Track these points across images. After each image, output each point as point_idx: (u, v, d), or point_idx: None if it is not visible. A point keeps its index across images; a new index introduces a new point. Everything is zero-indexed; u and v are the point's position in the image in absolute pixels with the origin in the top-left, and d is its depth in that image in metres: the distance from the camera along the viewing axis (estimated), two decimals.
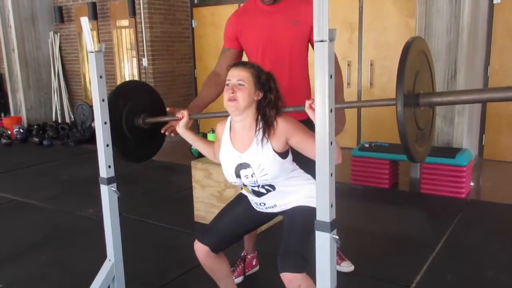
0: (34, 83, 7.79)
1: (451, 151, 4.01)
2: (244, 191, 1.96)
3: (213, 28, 6.76)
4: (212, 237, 1.91)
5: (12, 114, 8.04)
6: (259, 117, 1.76)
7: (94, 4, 7.07)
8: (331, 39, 1.30)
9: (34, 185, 4.75)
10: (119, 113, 2.03)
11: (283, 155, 1.76)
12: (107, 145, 2.00)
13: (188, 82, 7.01)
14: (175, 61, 6.85)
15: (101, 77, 1.95)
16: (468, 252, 2.86)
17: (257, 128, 1.75)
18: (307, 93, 2.28)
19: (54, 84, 7.95)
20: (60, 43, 7.92)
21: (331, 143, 1.36)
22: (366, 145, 4.37)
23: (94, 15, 7.07)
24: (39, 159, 5.94)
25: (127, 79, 7.11)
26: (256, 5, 2.22)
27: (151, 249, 3.09)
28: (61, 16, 7.66)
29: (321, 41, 1.30)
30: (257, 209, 1.95)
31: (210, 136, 3.53)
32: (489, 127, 5.00)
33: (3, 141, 6.89)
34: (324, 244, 1.38)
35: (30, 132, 7.21)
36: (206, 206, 3.43)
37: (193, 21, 6.98)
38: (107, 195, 2.04)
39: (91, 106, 6.92)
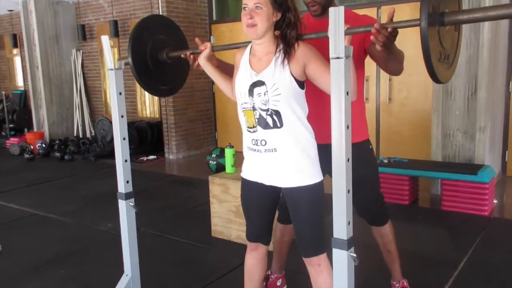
0: (57, 99, 7.98)
1: (473, 168, 3.93)
2: (245, 127, 1.84)
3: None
4: (256, 231, 1.99)
5: (35, 130, 8.23)
6: (279, 40, 1.73)
7: (115, 22, 7.24)
8: (347, 56, 1.31)
9: (55, 199, 4.82)
10: (143, 46, 2.02)
11: (300, 83, 1.72)
12: (126, 161, 2.03)
13: (207, 97, 7.08)
14: (194, 76, 6.93)
15: (120, 93, 1.98)
16: (492, 272, 2.78)
17: (277, 50, 1.73)
18: (359, 108, 2.21)
19: (76, 100, 8.12)
20: (82, 60, 8.11)
21: (348, 160, 1.35)
22: (385, 161, 4.32)
23: (115, 33, 7.24)
24: (60, 173, 6.04)
25: (146, 95, 7.22)
26: (308, 19, 2.16)
27: (168, 264, 3.09)
28: (84, 34, 7.86)
29: (337, 58, 1.30)
30: (254, 154, 1.84)
31: (227, 151, 3.53)
32: None
33: (26, 156, 7.04)
34: (342, 262, 1.37)
35: (52, 147, 7.35)
36: (223, 221, 3.42)
37: (211, 37, 7.07)
38: (125, 210, 2.06)
39: (112, 121, 7.08)
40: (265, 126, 1.75)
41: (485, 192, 3.75)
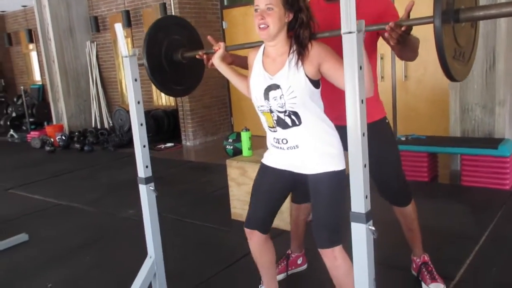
0: (74, 91, 8.09)
1: (493, 142, 3.87)
2: (266, 126, 1.87)
3: (244, 28, 6.80)
4: (257, 221, 1.95)
5: (54, 123, 8.38)
6: (293, 40, 1.72)
7: (127, 12, 7.27)
8: (359, 30, 1.30)
9: (77, 189, 4.93)
10: (158, 46, 2.04)
11: (314, 83, 1.72)
12: (144, 146, 2.06)
13: (220, 83, 7.08)
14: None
15: (136, 80, 2.01)
16: None
17: (291, 51, 1.71)
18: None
19: (93, 91, 8.22)
20: (96, 51, 8.19)
21: (363, 134, 1.35)
22: (403, 138, 4.28)
23: (128, 23, 7.27)
24: (81, 164, 6.16)
25: None
26: (319, 3, 2.13)
27: (190, 247, 3.15)
28: (97, 25, 7.92)
29: (349, 32, 1.30)
30: (277, 150, 1.86)
31: (243, 134, 3.55)
32: None
33: (47, 148, 7.19)
34: (360, 235, 1.38)
35: (71, 139, 7.49)
36: (242, 204, 3.46)
37: (223, 22, 7.05)
38: (146, 194, 2.10)
39: (128, 111, 7.17)
40: (284, 126, 1.78)
41: (506, 166, 3.70)
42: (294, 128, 1.75)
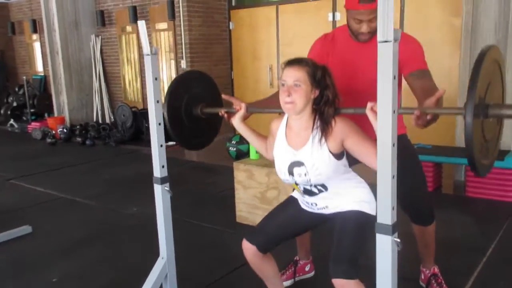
0: (76, 84, 8.05)
1: (499, 153, 3.87)
2: (295, 191, 1.95)
3: (250, 30, 6.79)
4: (260, 238, 1.92)
5: (55, 115, 8.33)
6: (317, 116, 1.74)
7: (134, 8, 7.23)
8: (396, 39, 1.29)
9: (79, 183, 4.90)
10: (179, 101, 2.05)
11: (338, 156, 1.74)
12: (161, 146, 2.05)
13: (225, 83, 7.07)
14: (213, 63, 6.93)
15: (156, 79, 1.99)
16: None
17: (314, 127, 1.73)
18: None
19: (95, 85, 8.18)
20: (101, 46, 8.15)
21: (394, 145, 1.34)
22: None
23: (134, 19, 7.24)
24: (82, 158, 6.13)
25: (165, 81, 7.24)
26: (347, 37, 2.12)
27: (196, 248, 3.13)
28: (103, 19, 7.88)
29: (385, 41, 1.29)
30: (308, 210, 1.93)
31: (252, 148, 3.55)
32: None
33: (48, 140, 7.15)
34: (385, 247, 1.37)
35: (73, 132, 7.45)
36: (248, 207, 3.45)
37: (230, 23, 7.04)
38: (161, 194, 2.08)
39: (131, 107, 7.15)
40: (311, 194, 1.82)
41: (511, 178, 3.71)
42: (322, 194, 1.81)
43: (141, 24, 1.93)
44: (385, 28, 1.28)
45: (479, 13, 4.01)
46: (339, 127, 1.71)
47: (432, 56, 2.12)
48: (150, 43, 1.97)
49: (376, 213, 1.39)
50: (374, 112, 1.44)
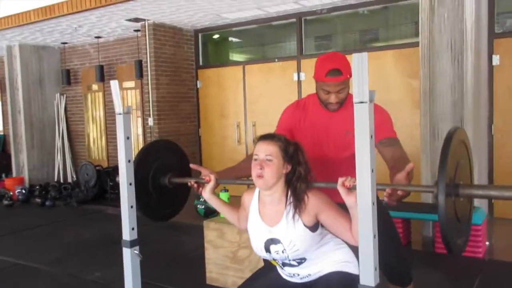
0: (38, 143, 7.82)
1: None
2: (275, 265, 1.89)
3: (218, 88, 6.91)
4: None
5: (14, 175, 7.99)
6: (289, 191, 1.72)
7: (101, 67, 7.26)
8: (371, 100, 1.33)
9: (37, 247, 4.62)
10: (146, 171, 2.02)
11: (313, 228, 1.72)
12: (131, 207, 1.97)
13: (193, 141, 7.05)
14: (180, 120, 6.93)
15: (128, 138, 1.96)
16: None
17: (287, 203, 1.71)
18: None
19: (58, 144, 7.97)
20: (65, 104, 8.04)
21: (373, 204, 1.34)
22: None
23: (101, 77, 7.25)
24: (42, 220, 5.82)
25: (132, 138, 7.15)
26: (317, 105, 2.15)
27: None
28: (68, 78, 7.84)
29: (361, 102, 1.32)
30: (291, 280, 1.87)
31: (222, 195, 3.48)
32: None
33: (5, 202, 6.80)
34: None
35: (32, 193, 7.13)
36: (219, 268, 3.32)
37: (198, 81, 7.15)
38: (129, 259, 1.98)
39: (95, 166, 6.97)
40: (291, 266, 1.80)
41: (478, 234, 3.77)
42: (302, 265, 1.78)
43: (114, 83, 1.91)
44: (361, 89, 1.31)
45: (435, 77, 4.24)
46: (312, 202, 1.70)
47: (393, 116, 2.19)
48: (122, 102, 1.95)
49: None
50: (346, 187, 1.47)
